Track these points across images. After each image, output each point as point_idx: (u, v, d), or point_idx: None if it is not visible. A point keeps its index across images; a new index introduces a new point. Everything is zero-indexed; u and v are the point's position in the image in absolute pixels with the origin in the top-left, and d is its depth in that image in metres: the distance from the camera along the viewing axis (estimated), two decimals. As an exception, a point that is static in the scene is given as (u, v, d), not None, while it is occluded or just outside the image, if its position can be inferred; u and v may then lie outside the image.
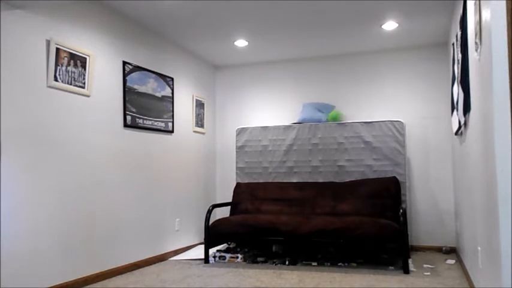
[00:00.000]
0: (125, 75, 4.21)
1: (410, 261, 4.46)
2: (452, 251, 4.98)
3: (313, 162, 5.26)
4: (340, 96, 5.56)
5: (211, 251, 4.90)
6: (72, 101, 3.57)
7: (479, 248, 2.76)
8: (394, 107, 5.35)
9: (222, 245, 5.18)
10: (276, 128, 5.48)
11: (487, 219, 2.35)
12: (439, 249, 5.06)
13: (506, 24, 1.93)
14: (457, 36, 3.65)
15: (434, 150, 5.20)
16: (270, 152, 5.47)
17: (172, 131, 4.97)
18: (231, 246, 5.11)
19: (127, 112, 4.22)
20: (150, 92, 4.58)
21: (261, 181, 5.45)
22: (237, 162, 5.60)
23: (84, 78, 3.67)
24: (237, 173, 5.59)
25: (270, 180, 5.44)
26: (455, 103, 3.89)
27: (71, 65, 3.53)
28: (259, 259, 4.58)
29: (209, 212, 4.65)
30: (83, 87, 3.66)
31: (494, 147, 1.97)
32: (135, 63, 4.38)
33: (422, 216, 5.21)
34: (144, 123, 4.46)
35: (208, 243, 4.62)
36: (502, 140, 1.94)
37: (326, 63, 5.70)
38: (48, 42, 3.33)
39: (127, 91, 4.23)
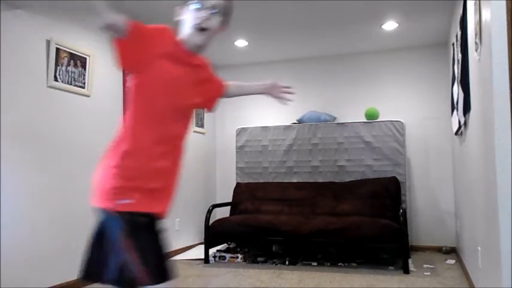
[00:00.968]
0: (124, 75, 4.21)
1: (410, 261, 4.46)
2: (452, 251, 4.98)
3: (313, 162, 5.26)
4: (340, 96, 5.55)
5: (211, 251, 4.90)
6: (72, 101, 3.57)
7: (479, 248, 2.76)
8: (394, 107, 5.35)
9: (222, 245, 5.18)
10: (276, 128, 5.47)
11: (487, 219, 2.35)
12: (439, 249, 5.06)
13: (506, 24, 1.93)
14: (457, 36, 3.65)
15: (434, 150, 5.19)
16: (270, 152, 5.47)
17: (172, 131, 4.97)
18: (231, 246, 5.11)
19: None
20: (150, 92, 4.57)
21: (261, 181, 5.45)
22: (237, 162, 5.60)
23: (84, 78, 3.66)
24: (237, 173, 5.59)
25: (270, 180, 5.43)
26: (455, 103, 3.89)
27: (71, 65, 3.53)
28: (259, 259, 4.58)
29: (209, 212, 4.65)
30: (83, 87, 3.66)
31: (494, 147, 1.97)
32: (135, 63, 4.37)
33: (422, 216, 5.21)
34: (144, 123, 4.45)
35: (208, 243, 4.62)
36: (502, 140, 1.94)
37: (326, 63, 5.70)
38: (48, 42, 3.33)
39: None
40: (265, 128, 5.51)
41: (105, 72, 3.95)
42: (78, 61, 3.60)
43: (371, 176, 5.02)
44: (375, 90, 5.41)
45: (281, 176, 5.40)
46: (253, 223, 4.49)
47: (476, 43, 2.50)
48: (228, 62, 5.99)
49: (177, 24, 1.66)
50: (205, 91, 1.77)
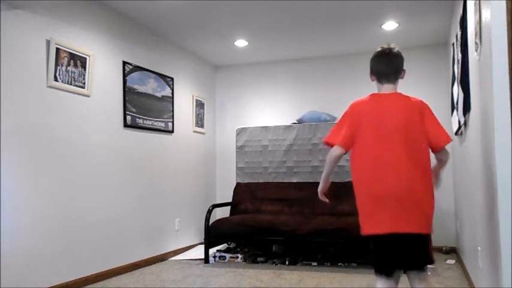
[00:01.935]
0: (124, 75, 4.21)
1: (410, 261, 4.45)
2: (452, 251, 4.98)
3: (313, 162, 5.26)
4: (340, 96, 5.55)
5: (211, 251, 4.90)
6: (72, 101, 3.57)
7: (479, 248, 2.76)
8: (394, 107, 5.34)
9: (222, 245, 5.18)
10: (276, 128, 5.47)
11: (487, 219, 2.35)
12: (439, 249, 5.06)
13: (506, 24, 1.93)
14: (457, 36, 3.65)
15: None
16: (270, 152, 5.47)
17: (172, 131, 4.97)
18: (231, 246, 5.11)
19: (127, 112, 4.22)
20: (150, 92, 4.58)
21: (261, 181, 5.45)
22: (237, 162, 5.60)
23: (84, 78, 3.66)
24: (237, 173, 5.59)
25: (270, 180, 5.43)
26: (455, 103, 3.89)
27: (71, 65, 3.53)
28: (259, 259, 4.58)
29: (209, 212, 4.65)
30: (83, 87, 3.66)
31: (494, 147, 1.97)
32: (135, 63, 4.38)
33: (422, 216, 5.20)
34: (144, 123, 4.46)
35: (208, 243, 4.62)
36: (502, 140, 1.94)
37: (326, 63, 5.70)
38: (48, 42, 3.33)
39: (127, 91, 4.23)
40: (265, 128, 5.52)
41: (105, 72, 3.95)
42: (78, 61, 3.60)
43: (371, 176, 5.01)
44: (375, 90, 5.40)
45: (281, 176, 5.40)
46: (253, 223, 4.50)
47: (476, 43, 2.50)
48: (228, 62, 5.99)
49: None
50: None
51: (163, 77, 4.83)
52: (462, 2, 3.21)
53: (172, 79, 5.00)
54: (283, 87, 5.88)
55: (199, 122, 5.67)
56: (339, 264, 4.35)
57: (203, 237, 5.65)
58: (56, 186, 3.37)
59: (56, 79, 3.38)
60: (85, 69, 3.67)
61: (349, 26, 4.57)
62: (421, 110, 2.14)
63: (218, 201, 6.10)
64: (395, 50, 2.22)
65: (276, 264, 4.42)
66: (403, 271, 2.13)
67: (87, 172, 3.70)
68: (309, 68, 5.77)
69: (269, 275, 3.95)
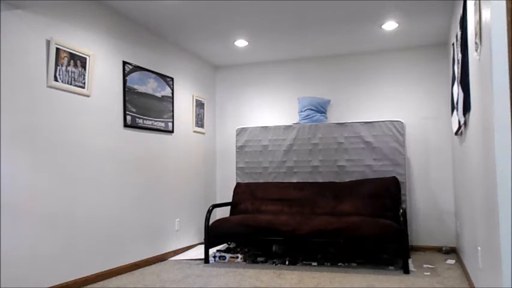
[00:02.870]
0: (124, 75, 4.21)
1: (410, 261, 4.46)
2: (452, 251, 4.98)
3: (313, 162, 5.26)
4: (340, 96, 5.55)
5: (211, 251, 4.90)
6: (72, 101, 3.57)
7: (479, 248, 2.76)
8: (394, 107, 5.35)
9: (222, 245, 5.18)
10: (276, 128, 5.48)
11: (487, 219, 2.35)
12: (439, 249, 5.06)
13: (506, 24, 1.93)
14: (457, 36, 3.65)
15: (434, 150, 5.19)
16: (270, 152, 5.47)
17: (172, 131, 4.97)
18: (231, 246, 5.11)
19: (127, 112, 4.22)
20: (150, 92, 4.58)
21: (261, 181, 5.45)
22: (237, 162, 5.60)
23: (84, 78, 3.67)
24: (237, 173, 5.59)
25: (270, 180, 5.43)
26: (455, 103, 3.89)
27: (71, 65, 3.53)
28: (259, 259, 4.58)
29: (209, 212, 4.65)
30: (83, 87, 3.66)
31: (494, 147, 1.97)
32: (135, 63, 4.38)
33: (422, 216, 5.21)
34: (144, 123, 4.46)
35: (208, 243, 4.62)
36: (502, 140, 1.94)
37: (326, 63, 5.70)
38: (48, 42, 3.33)
39: (127, 91, 4.23)
40: (265, 128, 5.52)
41: (105, 72, 3.96)
42: (78, 61, 3.60)
43: (371, 176, 5.02)
44: (375, 90, 5.42)
45: (281, 176, 5.41)
46: (253, 223, 4.50)
47: (476, 43, 2.50)
48: (228, 62, 5.99)
49: None
50: None
51: (163, 77, 4.83)
52: (462, 2, 3.21)
53: (172, 79, 5.00)
54: (283, 87, 5.88)
55: (199, 122, 5.68)
56: (339, 264, 4.35)
57: (203, 237, 5.66)
58: (55, 186, 3.38)
59: (56, 79, 3.38)
60: (85, 69, 3.67)
61: (349, 26, 4.57)
62: None
63: (218, 201, 6.10)
64: None
65: (276, 264, 4.42)
66: None
67: (87, 172, 3.70)
68: (309, 68, 5.77)
69: (269, 275, 3.95)
